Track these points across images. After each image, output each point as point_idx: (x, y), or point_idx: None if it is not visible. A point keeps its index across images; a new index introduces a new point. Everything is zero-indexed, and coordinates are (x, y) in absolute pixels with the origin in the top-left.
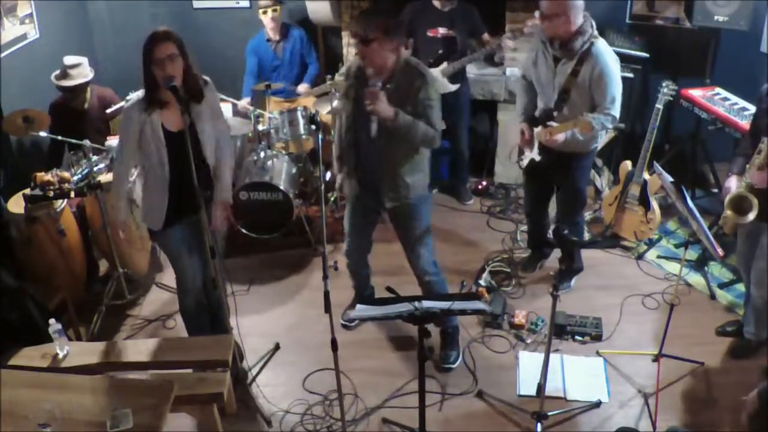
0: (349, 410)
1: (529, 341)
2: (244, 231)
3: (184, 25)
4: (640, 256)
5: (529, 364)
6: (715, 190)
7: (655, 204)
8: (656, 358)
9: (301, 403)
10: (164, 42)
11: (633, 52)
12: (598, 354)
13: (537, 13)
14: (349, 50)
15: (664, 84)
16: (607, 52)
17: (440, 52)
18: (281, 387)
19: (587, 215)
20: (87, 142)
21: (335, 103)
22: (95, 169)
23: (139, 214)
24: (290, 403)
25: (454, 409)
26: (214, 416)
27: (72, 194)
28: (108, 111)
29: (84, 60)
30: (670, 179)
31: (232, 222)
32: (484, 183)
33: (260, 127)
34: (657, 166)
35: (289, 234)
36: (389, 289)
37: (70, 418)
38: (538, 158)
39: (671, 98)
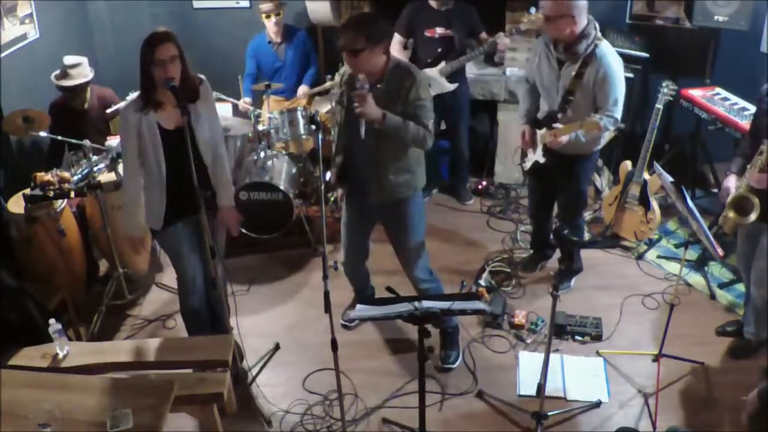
0: (349, 410)
1: (529, 341)
2: (244, 231)
3: (184, 25)
4: (640, 256)
5: (529, 364)
6: (715, 190)
7: (655, 204)
8: (656, 358)
9: (301, 403)
10: (165, 43)
11: (633, 52)
12: (598, 354)
13: (533, 10)
14: None
15: (664, 84)
16: (611, 55)
17: (439, 51)
18: (281, 387)
19: (587, 215)
20: (87, 142)
21: (334, 103)
22: (95, 169)
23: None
24: (290, 403)
25: (454, 409)
26: (214, 416)
27: (72, 194)
28: (108, 111)
29: (84, 60)
30: (670, 179)
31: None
32: (484, 183)
33: (260, 127)
34: (657, 166)
35: (289, 234)
36: (389, 289)
37: (70, 418)
38: (542, 160)
39: (671, 98)
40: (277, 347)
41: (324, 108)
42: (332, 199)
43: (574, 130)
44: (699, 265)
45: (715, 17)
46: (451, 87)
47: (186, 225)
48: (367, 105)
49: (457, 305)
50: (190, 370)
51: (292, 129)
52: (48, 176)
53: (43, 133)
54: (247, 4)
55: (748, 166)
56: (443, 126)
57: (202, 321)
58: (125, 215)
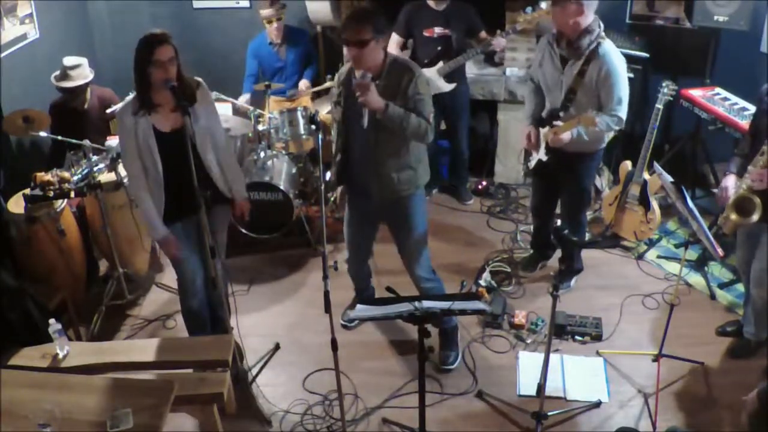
0: (349, 410)
1: (529, 341)
2: (244, 231)
3: (184, 25)
4: (640, 256)
5: (529, 364)
6: (715, 190)
7: (655, 204)
8: (656, 358)
9: (301, 403)
10: (164, 44)
11: (633, 52)
12: (598, 354)
13: (529, 9)
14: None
15: (664, 84)
16: (614, 53)
17: (437, 50)
18: (281, 387)
19: (587, 215)
20: (87, 142)
21: (333, 104)
22: (95, 169)
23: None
24: (290, 403)
25: (454, 409)
26: (214, 416)
27: (72, 194)
28: (108, 111)
29: (84, 61)
30: (670, 179)
31: (233, 222)
32: (484, 183)
33: (260, 127)
34: (657, 166)
35: (289, 234)
36: (389, 289)
37: (70, 418)
38: (545, 158)
39: (671, 98)
40: (277, 347)
41: (324, 108)
42: (332, 199)
43: (573, 126)
44: (699, 265)
45: (715, 17)
46: (449, 87)
47: (185, 225)
48: (370, 94)
49: (457, 305)
50: (190, 370)
51: (292, 129)
52: (48, 176)
53: (43, 133)
54: (247, 4)
55: (749, 167)
56: (443, 126)
57: (202, 321)
58: (144, 220)
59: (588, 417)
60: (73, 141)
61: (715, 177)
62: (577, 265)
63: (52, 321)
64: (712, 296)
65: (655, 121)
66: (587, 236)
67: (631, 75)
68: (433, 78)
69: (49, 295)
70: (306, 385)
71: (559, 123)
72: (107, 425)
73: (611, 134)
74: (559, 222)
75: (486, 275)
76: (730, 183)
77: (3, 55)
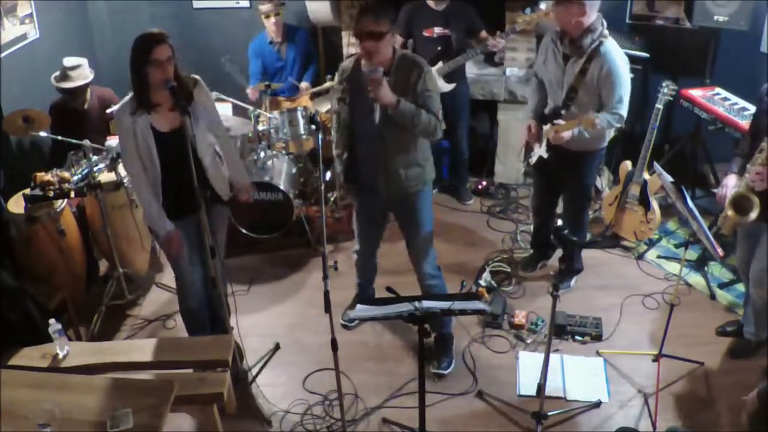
0: (349, 410)
1: (529, 341)
2: (244, 231)
3: (184, 25)
4: (640, 256)
5: (529, 364)
6: (715, 190)
7: (655, 204)
8: (656, 358)
9: (301, 403)
10: (162, 44)
11: (633, 52)
12: (598, 354)
13: (528, 10)
14: (349, 50)
15: (664, 84)
16: (616, 52)
17: (437, 50)
18: (281, 387)
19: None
20: (87, 142)
21: (336, 101)
22: (95, 169)
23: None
24: (290, 403)
25: (454, 409)
26: (214, 416)
27: (72, 194)
28: (108, 111)
29: (84, 61)
30: (670, 179)
31: (232, 222)
32: (484, 183)
33: (260, 127)
34: (657, 166)
35: (289, 234)
36: (389, 289)
37: (70, 418)
38: (546, 155)
39: (671, 98)
40: (277, 347)
41: (324, 108)
42: (332, 199)
43: (574, 126)
44: (699, 265)
45: (715, 17)
46: (448, 87)
47: (183, 224)
48: (383, 89)
49: (457, 305)
50: (190, 370)
51: (292, 129)
52: (48, 176)
53: (43, 133)
54: (247, 4)
55: (748, 165)
56: (443, 126)
57: (201, 321)
58: (149, 221)
59: (588, 417)
60: (73, 141)
61: (715, 177)
62: (577, 265)
63: (52, 321)
64: (712, 296)
65: (655, 121)
66: (587, 236)
67: (631, 75)
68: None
69: (49, 295)
70: (306, 385)
71: (560, 121)
72: (107, 425)
73: (612, 133)
74: (559, 222)
75: (486, 275)
76: (731, 182)
77: (3, 55)
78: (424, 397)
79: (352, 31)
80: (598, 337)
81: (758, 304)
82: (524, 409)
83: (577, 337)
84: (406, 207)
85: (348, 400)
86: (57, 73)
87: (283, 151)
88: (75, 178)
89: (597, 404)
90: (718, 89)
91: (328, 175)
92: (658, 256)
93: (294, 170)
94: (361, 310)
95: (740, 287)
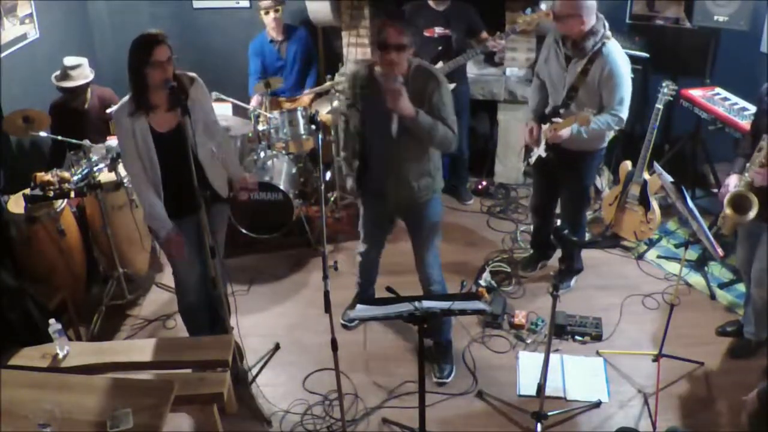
0: (349, 410)
1: (529, 341)
2: (244, 231)
3: (184, 25)
4: (640, 256)
5: (529, 364)
6: (716, 190)
7: (655, 204)
8: (656, 358)
9: (301, 403)
10: (162, 45)
11: (633, 52)
12: (598, 354)
13: (528, 11)
14: (349, 50)
15: (664, 84)
16: (618, 53)
17: (438, 50)
18: (281, 387)
19: (587, 215)
20: (87, 142)
21: (335, 102)
22: (95, 169)
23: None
24: (290, 403)
25: (454, 409)
26: (214, 416)
27: (72, 194)
28: (108, 111)
29: (84, 61)
30: (670, 179)
31: (233, 222)
32: (484, 183)
33: (260, 127)
34: (657, 166)
35: (289, 234)
36: (389, 289)
37: (70, 418)
38: (544, 155)
39: (671, 98)
40: (277, 347)
41: (324, 108)
42: (332, 199)
43: (571, 124)
44: (699, 265)
45: (715, 17)
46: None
47: (183, 224)
48: (403, 99)
49: (457, 305)
50: (190, 370)
51: (292, 129)
52: (48, 176)
53: (43, 133)
54: (247, 4)
55: (747, 164)
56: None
57: (200, 320)
58: (149, 221)
59: (588, 417)
60: (73, 141)
61: (715, 177)
62: (577, 265)
63: (52, 321)
64: (712, 296)
65: (655, 121)
66: (587, 236)
67: (631, 75)
68: None
69: (49, 295)
70: (306, 385)
71: (558, 120)
72: (107, 425)
73: (612, 133)
74: (559, 222)
75: (486, 275)
76: (732, 182)
77: (3, 55)
78: (424, 397)
79: (372, 39)
80: (598, 337)
81: (758, 304)
82: (524, 409)
83: (577, 337)
84: (416, 215)
85: (348, 400)
86: (57, 73)
87: (283, 151)
88: (75, 178)
89: (597, 404)
90: (718, 89)
91: (328, 175)
92: (658, 256)
93: (294, 170)
94: (361, 310)
95: (740, 287)
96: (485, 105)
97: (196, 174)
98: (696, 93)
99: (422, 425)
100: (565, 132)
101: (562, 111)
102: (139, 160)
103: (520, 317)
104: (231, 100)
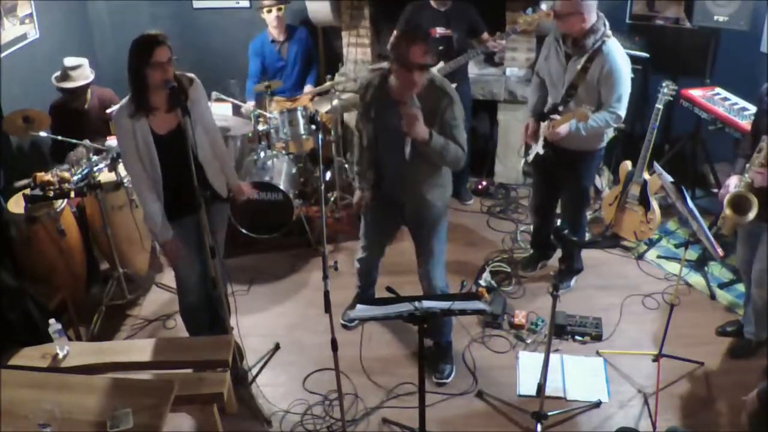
0: (349, 410)
1: (529, 341)
2: (244, 231)
3: (184, 25)
4: (640, 256)
5: (529, 364)
6: (716, 190)
7: (655, 204)
8: (656, 358)
9: (301, 403)
10: (163, 46)
11: (633, 52)
12: (598, 354)
13: (529, 11)
14: (349, 50)
15: (664, 84)
16: (617, 51)
17: (439, 50)
18: (281, 387)
19: (587, 215)
20: (87, 142)
21: (335, 102)
22: (95, 169)
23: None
24: (290, 403)
25: (454, 409)
26: (214, 416)
27: (72, 194)
28: (108, 111)
29: (84, 61)
30: (670, 179)
31: (233, 222)
32: (484, 183)
33: (260, 127)
34: (657, 166)
35: (289, 234)
36: (389, 289)
37: (70, 418)
38: (542, 152)
39: (671, 98)
40: (277, 347)
41: (324, 108)
42: (332, 199)
43: (569, 120)
44: (699, 265)
45: (715, 17)
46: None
47: (183, 224)
48: (419, 124)
49: (457, 305)
50: (190, 370)
51: (292, 129)
52: (48, 176)
53: (43, 133)
54: (247, 4)
55: (747, 165)
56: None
57: (201, 320)
58: (149, 224)
59: (588, 417)
60: (73, 141)
61: (715, 177)
62: (577, 265)
63: (52, 321)
64: (712, 296)
65: (655, 121)
66: (587, 236)
67: (631, 75)
68: None
69: (49, 295)
70: (306, 385)
71: (557, 117)
72: (107, 425)
73: (611, 133)
74: (559, 222)
75: (486, 275)
76: (733, 182)
77: (3, 55)
78: (424, 397)
79: (392, 55)
80: (598, 337)
81: (758, 304)
82: (524, 409)
83: (577, 337)
84: (425, 222)
85: (348, 400)
86: (58, 73)
87: (283, 151)
88: (75, 178)
89: (597, 404)
90: (718, 89)
91: (328, 175)
92: (658, 256)
93: (294, 170)
94: (361, 310)
95: (740, 287)
96: (485, 105)
97: (196, 174)
98: (696, 93)
99: (422, 425)
100: (563, 129)
101: (560, 108)
102: (140, 161)
103: (520, 317)
104: (231, 100)
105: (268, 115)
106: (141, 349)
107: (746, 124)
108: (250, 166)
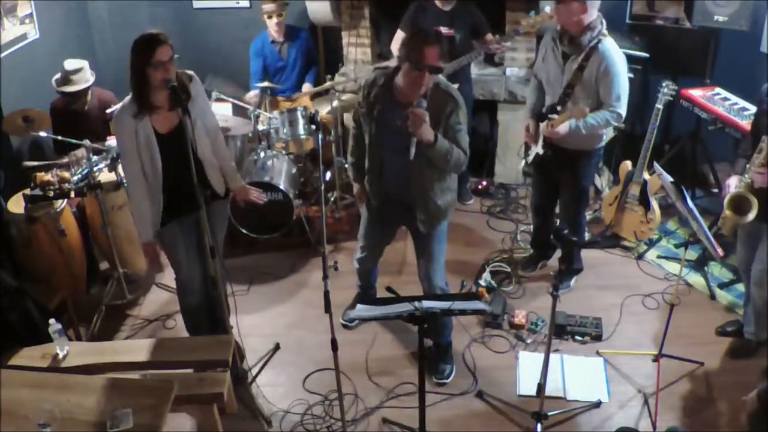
0: (349, 410)
1: (529, 341)
2: (244, 231)
3: (184, 25)
4: (640, 256)
5: (529, 364)
6: (715, 190)
7: (655, 204)
8: (656, 358)
9: (301, 403)
10: (164, 45)
11: (633, 52)
12: (598, 354)
13: (532, 13)
14: (349, 50)
15: (664, 84)
16: (614, 50)
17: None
18: (281, 387)
19: (587, 215)
20: (87, 142)
21: (335, 102)
22: (95, 169)
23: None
24: (290, 403)
25: (454, 409)
26: (214, 416)
27: (72, 194)
28: (108, 111)
29: (85, 64)
30: (670, 179)
31: (233, 222)
32: (484, 183)
33: (260, 127)
34: (657, 166)
35: (289, 234)
36: (389, 289)
37: (70, 418)
38: (541, 152)
39: (671, 98)
40: (277, 347)
41: (324, 108)
42: (332, 199)
43: (567, 119)
44: (699, 265)
45: (715, 17)
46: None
47: (182, 224)
48: (426, 126)
49: (457, 305)
50: (190, 370)
51: (292, 129)
52: (48, 176)
53: (43, 133)
54: (247, 4)
55: (747, 165)
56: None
57: (201, 319)
58: (136, 223)
59: (588, 417)
60: (73, 141)
61: (715, 177)
62: (577, 265)
63: (52, 321)
64: (712, 296)
65: (655, 121)
66: (587, 236)
67: (631, 75)
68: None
69: (49, 295)
70: (306, 385)
71: (555, 116)
72: (107, 425)
73: (610, 132)
74: (558, 222)
75: (486, 275)
76: (733, 183)
77: (3, 55)
78: (424, 397)
79: (403, 55)
80: (598, 337)
81: (758, 304)
82: (524, 409)
83: (577, 337)
84: (430, 224)
85: (348, 400)
86: (58, 76)
87: (283, 151)
88: (75, 178)
89: (597, 404)
90: (718, 89)
91: (328, 175)
92: (658, 256)
93: (294, 170)
94: (361, 310)
95: (740, 287)
96: (485, 105)
97: (196, 173)
98: (696, 93)
99: (422, 425)
100: (562, 128)
101: (559, 108)
102: (139, 161)
103: (520, 317)
104: (231, 100)
105: (268, 115)
106: (141, 349)
107: (746, 124)
108: (250, 166)
